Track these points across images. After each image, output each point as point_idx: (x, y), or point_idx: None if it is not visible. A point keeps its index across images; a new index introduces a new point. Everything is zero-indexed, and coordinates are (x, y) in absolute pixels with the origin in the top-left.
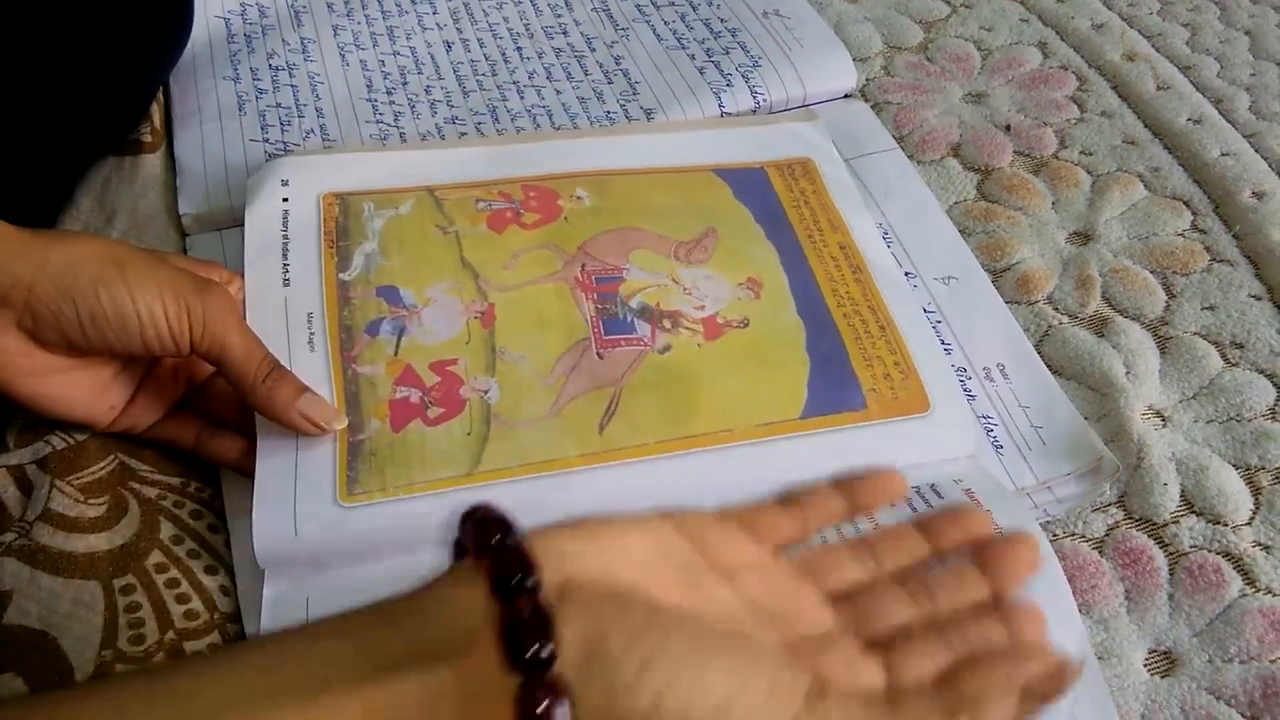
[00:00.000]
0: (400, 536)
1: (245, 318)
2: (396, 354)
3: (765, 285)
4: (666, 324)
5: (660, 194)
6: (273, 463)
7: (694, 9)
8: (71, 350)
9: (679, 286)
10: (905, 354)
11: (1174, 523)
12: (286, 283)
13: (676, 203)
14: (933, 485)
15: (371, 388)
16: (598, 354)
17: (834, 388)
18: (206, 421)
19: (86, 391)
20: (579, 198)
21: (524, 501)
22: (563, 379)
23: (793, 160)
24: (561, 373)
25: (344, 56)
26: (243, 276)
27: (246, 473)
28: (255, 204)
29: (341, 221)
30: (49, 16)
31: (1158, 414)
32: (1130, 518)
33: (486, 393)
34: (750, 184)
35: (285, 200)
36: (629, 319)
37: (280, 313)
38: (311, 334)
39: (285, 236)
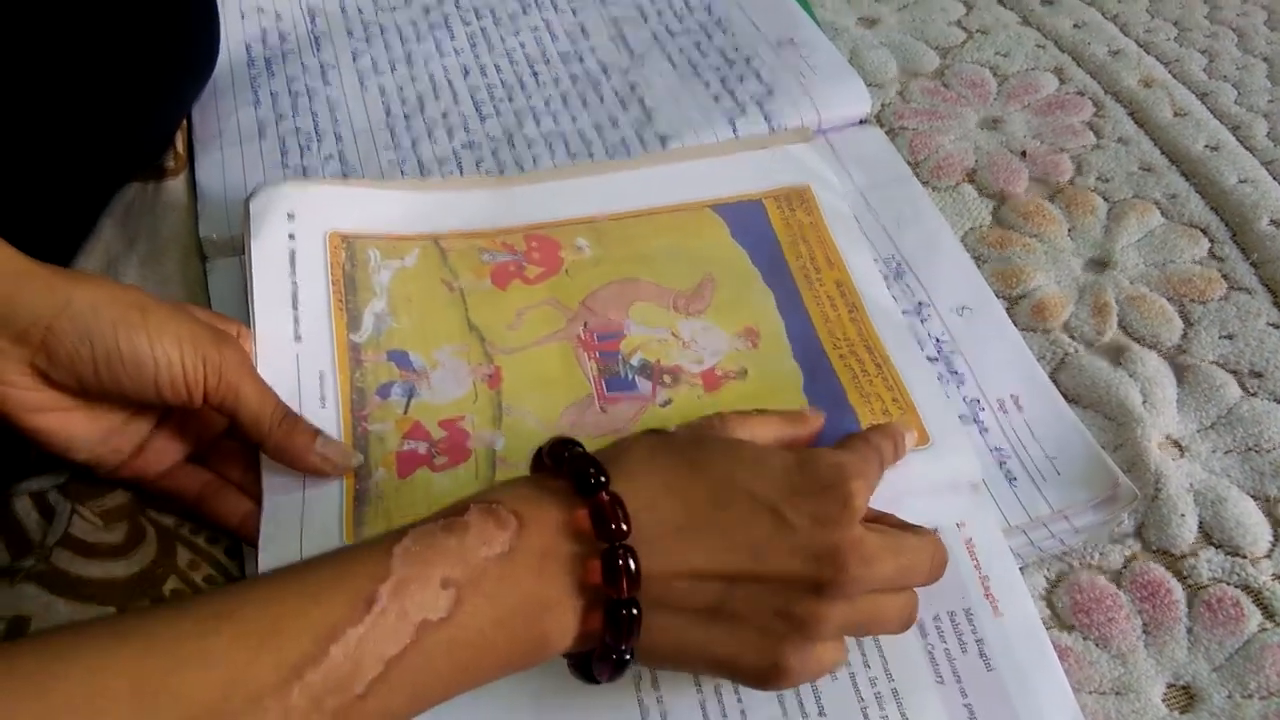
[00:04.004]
0: None
1: (257, 368)
2: (406, 413)
3: (762, 333)
4: (667, 379)
5: (659, 239)
6: (279, 504)
7: (709, 38)
8: (82, 392)
9: (679, 340)
10: (903, 390)
11: (1192, 555)
12: (298, 337)
13: (675, 247)
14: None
15: (380, 442)
16: (600, 408)
17: (832, 428)
18: (214, 477)
19: (92, 433)
20: (579, 248)
21: None
22: (567, 428)
23: (790, 190)
24: (566, 423)
25: (363, 82)
26: (250, 319)
27: (249, 539)
28: (260, 236)
29: (349, 270)
30: (78, 45)
31: (1175, 444)
32: (1148, 549)
33: (493, 443)
34: (748, 221)
35: (291, 237)
36: (630, 377)
37: (292, 371)
38: (323, 393)
39: (294, 282)
